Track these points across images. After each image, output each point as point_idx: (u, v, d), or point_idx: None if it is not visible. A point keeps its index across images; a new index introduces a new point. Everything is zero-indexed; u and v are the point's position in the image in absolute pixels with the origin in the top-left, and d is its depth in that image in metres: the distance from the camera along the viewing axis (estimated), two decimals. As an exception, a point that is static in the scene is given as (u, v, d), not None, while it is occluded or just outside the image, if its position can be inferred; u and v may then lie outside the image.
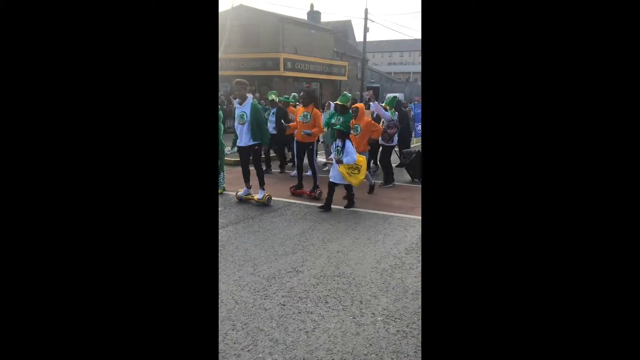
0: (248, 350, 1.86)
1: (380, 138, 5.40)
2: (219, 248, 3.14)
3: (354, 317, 2.16)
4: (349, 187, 4.40)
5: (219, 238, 3.38)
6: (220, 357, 1.80)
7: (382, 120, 5.51)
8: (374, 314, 2.21)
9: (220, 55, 14.23)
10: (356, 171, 4.26)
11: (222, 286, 2.50)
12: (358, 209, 4.37)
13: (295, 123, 5.23)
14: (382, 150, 5.75)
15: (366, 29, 21.64)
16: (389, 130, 5.47)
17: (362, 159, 4.33)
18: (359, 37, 28.32)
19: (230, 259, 2.94)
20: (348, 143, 4.25)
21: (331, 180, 4.32)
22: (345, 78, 21.67)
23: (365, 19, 21.40)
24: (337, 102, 4.96)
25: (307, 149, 5.00)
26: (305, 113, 4.88)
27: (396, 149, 6.28)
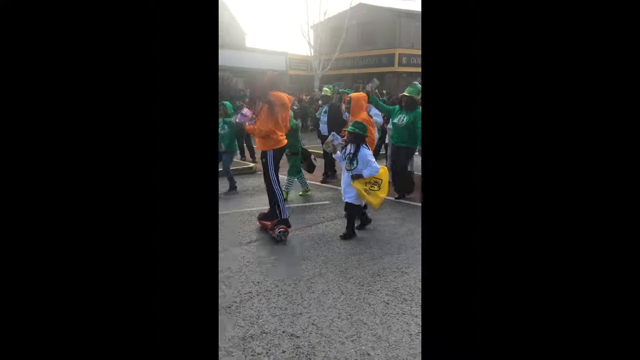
0: (352, 341, 1.94)
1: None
2: (328, 240, 3.33)
3: (462, 330, 2.03)
4: (352, 206, 3.31)
5: (328, 231, 3.57)
6: (325, 342, 1.93)
7: None
8: (486, 330, 2.03)
9: (336, 54, 14.78)
10: (375, 187, 3.19)
11: (329, 275, 2.66)
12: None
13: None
14: None
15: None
16: None
17: (383, 171, 3.21)
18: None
19: (337, 251, 3.09)
20: (364, 150, 3.18)
21: (345, 199, 3.32)
22: (465, 71, 19.90)
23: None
24: (405, 93, 4.30)
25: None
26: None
27: None
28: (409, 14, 18.22)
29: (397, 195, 4.67)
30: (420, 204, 4.32)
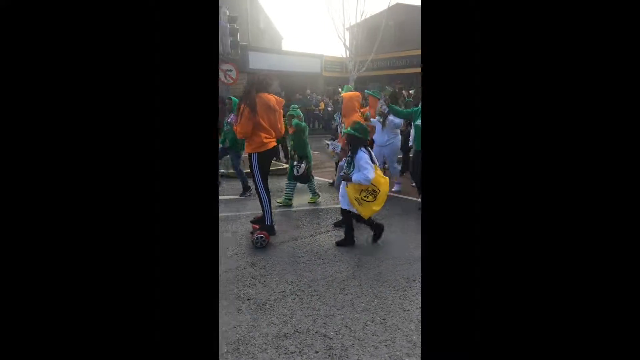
0: (386, 345, 1.90)
1: None
2: (362, 242, 3.29)
3: (504, 342, 1.93)
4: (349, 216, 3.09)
5: (361, 232, 3.54)
6: (358, 345, 1.91)
7: None
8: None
9: (372, 56, 14.65)
10: (370, 197, 2.93)
11: (362, 277, 2.63)
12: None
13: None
14: None
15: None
16: None
17: (383, 182, 2.90)
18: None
19: (370, 253, 3.05)
20: (361, 153, 2.93)
21: (342, 206, 3.13)
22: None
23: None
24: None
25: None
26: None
27: None
28: (448, 12, 17.59)
29: None
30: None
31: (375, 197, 2.92)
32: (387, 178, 3.06)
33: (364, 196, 2.93)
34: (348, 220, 3.14)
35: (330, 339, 1.95)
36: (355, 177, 2.91)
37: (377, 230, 3.21)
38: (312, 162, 4.45)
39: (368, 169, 2.88)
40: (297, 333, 2.00)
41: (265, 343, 1.92)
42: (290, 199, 4.39)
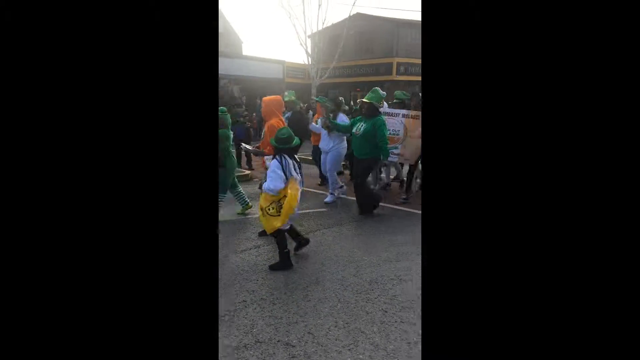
0: (349, 349, 1.89)
1: None
2: (325, 247, 3.28)
3: (462, 338, 1.99)
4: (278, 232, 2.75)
5: (325, 238, 3.53)
6: (322, 351, 1.88)
7: None
8: (486, 339, 1.99)
9: (334, 63, 14.90)
10: (274, 211, 2.67)
11: (326, 283, 2.61)
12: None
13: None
14: None
15: (491, 26, 19.69)
16: None
17: (289, 194, 2.60)
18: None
19: (334, 258, 3.04)
20: (274, 162, 2.68)
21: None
22: (462, 80, 20.11)
23: (491, 14, 19.47)
24: (364, 100, 4.05)
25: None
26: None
27: None
28: (407, 23, 18.42)
29: (404, 197, 4.67)
30: (419, 212, 4.29)
31: (279, 211, 2.66)
32: (296, 193, 2.65)
33: (270, 208, 2.67)
34: (279, 239, 2.75)
35: (293, 346, 1.91)
36: (264, 185, 2.71)
37: (299, 243, 2.98)
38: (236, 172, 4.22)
39: (274, 178, 2.62)
40: (258, 343, 1.93)
41: (224, 356, 1.83)
42: (246, 203, 4.22)
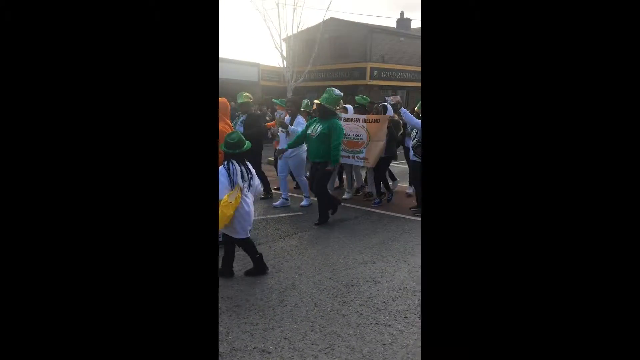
0: (325, 353, 1.90)
1: (412, 153, 4.26)
2: (301, 251, 3.29)
3: (435, 337, 2.05)
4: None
5: (302, 241, 3.53)
6: (298, 356, 1.88)
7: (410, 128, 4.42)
8: (457, 337, 2.06)
9: (309, 67, 14.97)
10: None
11: (302, 287, 2.61)
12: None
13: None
14: (412, 166, 4.46)
15: (459, 33, 20.44)
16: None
17: (223, 203, 2.44)
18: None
19: (310, 262, 3.05)
20: (221, 169, 2.56)
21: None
22: (434, 85, 20.72)
23: (459, 22, 20.22)
24: (317, 101, 3.96)
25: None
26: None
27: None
28: (379, 29, 18.80)
29: (376, 200, 4.73)
30: (393, 214, 4.38)
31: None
32: (234, 202, 2.51)
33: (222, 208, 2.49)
34: (246, 247, 2.72)
35: (269, 353, 1.89)
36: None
37: (256, 264, 2.78)
38: None
39: (221, 184, 2.51)
40: (234, 351, 1.90)
41: (199, 366, 1.79)
42: None
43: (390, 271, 2.89)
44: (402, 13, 22.58)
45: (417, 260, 3.11)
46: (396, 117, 4.61)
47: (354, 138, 4.69)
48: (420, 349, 1.94)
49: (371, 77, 17.40)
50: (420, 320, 2.21)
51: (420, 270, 2.92)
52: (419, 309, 2.35)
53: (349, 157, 4.75)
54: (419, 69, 20.83)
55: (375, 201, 4.76)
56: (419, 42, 20.59)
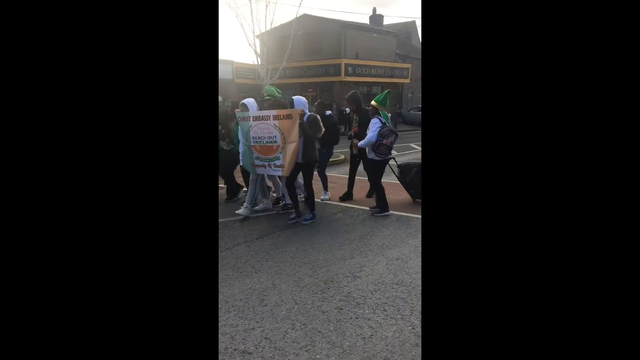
0: (306, 350, 1.91)
1: (372, 152, 4.03)
2: (281, 249, 3.28)
3: (413, 328, 2.10)
4: None
5: (281, 240, 3.52)
6: (279, 355, 1.88)
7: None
8: (434, 326, 2.12)
9: (284, 64, 14.86)
10: None
11: (282, 286, 2.61)
12: (420, 216, 4.22)
13: None
14: (371, 164, 4.16)
15: (431, 29, 20.88)
16: (384, 141, 3.91)
17: None
18: (423, 38, 27.35)
19: (290, 260, 3.05)
20: None
21: None
22: (408, 80, 21.11)
23: (430, 18, 20.62)
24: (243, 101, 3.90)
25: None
26: None
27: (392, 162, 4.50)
28: (353, 25, 18.88)
29: (342, 200, 4.75)
30: (368, 209, 4.44)
31: None
32: None
33: None
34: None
35: (250, 353, 1.89)
36: None
37: None
38: None
39: None
40: (214, 354, 1.88)
41: (178, 372, 1.76)
42: None
43: (369, 265, 2.93)
44: (374, 9, 22.79)
45: (394, 253, 3.18)
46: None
47: (267, 142, 3.77)
48: (399, 340, 1.99)
49: (346, 74, 17.46)
50: (398, 313, 2.26)
51: (397, 262, 2.98)
52: (397, 301, 2.40)
53: (264, 166, 3.87)
54: (392, 64, 21.12)
55: (291, 216, 4.02)
56: (391, 39, 20.95)
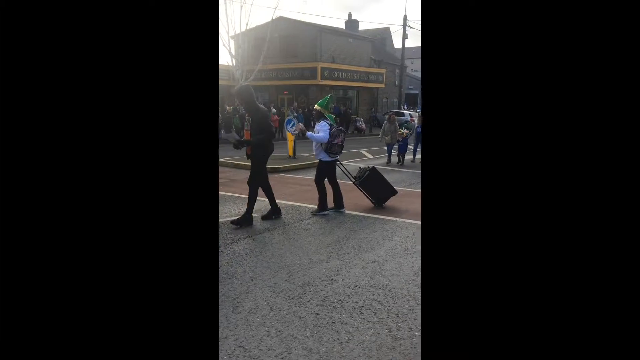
0: (282, 358, 1.86)
1: (322, 152, 4.18)
2: (256, 254, 3.20)
3: (390, 331, 2.09)
4: None
5: (256, 244, 3.44)
6: (254, 363, 1.81)
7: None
8: (411, 328, 2.12)
9: (260, 66, 14.73)
10: None
11: (257, 291, 2.54)
12: (395, 219, 4.26)
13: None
14: (321, 164, 4.27)
15: (405, 36, 21.41)
16: (336, 140, 4.12)
17: None
18: (397, 44, 28.02)
19: (265, 264, 2.98)
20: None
21: None
22: (382, 85, 21.50)
23: (404, 25, 21.16)
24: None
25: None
26: None
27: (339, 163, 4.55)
28: (329, 29, 19.01)
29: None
30: (347, 212, 4.43)
31: None
32: None
33: None
34: None
35: (223, 364, 1.81)
36: None
37: None
38: None
39: None
40: (185, 366, 1.79)
41: (145, 386, 1.65)
42: None
43: (345, 268, 2.92)
44: (349, 14, 23.09)
45: (370, 256, 3.18)
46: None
47: None
48: (376, 344, 1.97)
49: (322, 77, 17.54)
50: (375, 316, 2.25)
51: (373, 264, 2.98)
52: (374, 304, 2.39)
53: None
54: (367, 69, 21.43)
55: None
56: (367, 44, 21.29)
